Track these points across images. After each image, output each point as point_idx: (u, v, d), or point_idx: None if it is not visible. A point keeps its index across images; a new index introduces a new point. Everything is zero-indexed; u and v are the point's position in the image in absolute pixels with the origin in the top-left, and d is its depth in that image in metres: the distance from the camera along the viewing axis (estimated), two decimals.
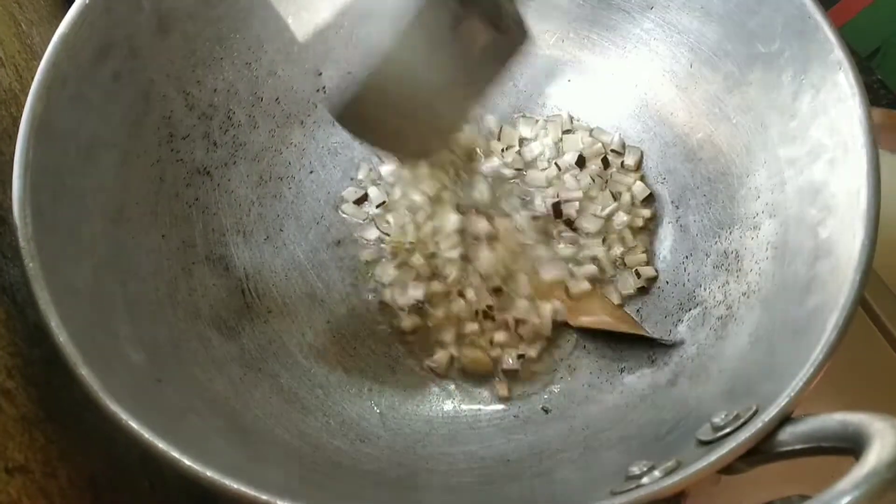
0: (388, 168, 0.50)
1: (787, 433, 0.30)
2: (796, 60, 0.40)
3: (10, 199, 0.36)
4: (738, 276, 0.43)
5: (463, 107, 0.42)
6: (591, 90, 0.52)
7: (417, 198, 0.48)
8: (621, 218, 0.48)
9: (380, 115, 0.40)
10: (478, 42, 0.40)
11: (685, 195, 0.48)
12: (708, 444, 0.32)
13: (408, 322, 0.46)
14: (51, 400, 0.34)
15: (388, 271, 0.48)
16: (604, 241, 0.48)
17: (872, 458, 0.25)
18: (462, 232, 0.47)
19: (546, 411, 0.44)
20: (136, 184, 0.43)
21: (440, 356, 0.45)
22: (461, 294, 0.46)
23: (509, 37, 0.40)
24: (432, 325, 0.46)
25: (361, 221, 0.50)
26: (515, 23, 0.40)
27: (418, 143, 0.42)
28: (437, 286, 0.47)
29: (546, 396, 0.45)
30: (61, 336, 0.33)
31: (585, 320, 0.45)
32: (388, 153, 0.46)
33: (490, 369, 0.45)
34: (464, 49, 0.40)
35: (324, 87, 0.52)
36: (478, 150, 0.47)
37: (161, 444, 0.30)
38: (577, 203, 0.48)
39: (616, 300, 0.46)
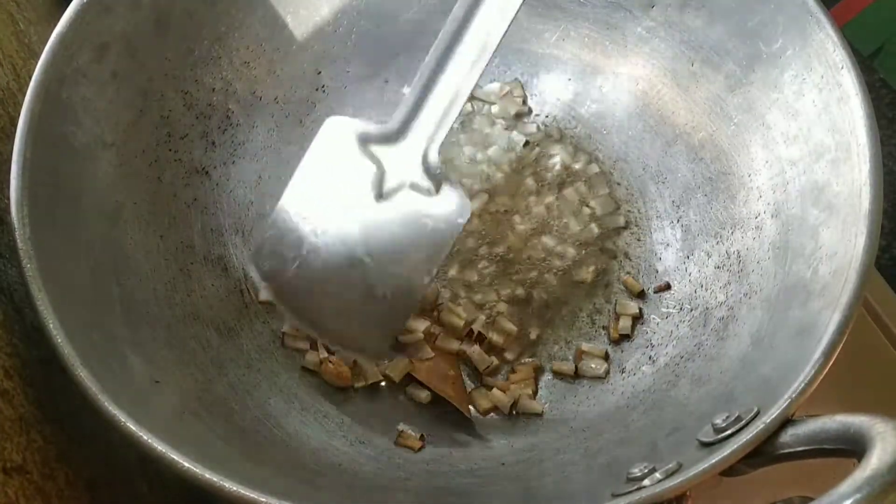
0: None
1: (788, 435, 0.30)
2: (798, 60, 0.40)
3: (8, 199, 0.35)
4: (739, 277, 0.42)
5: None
6: (592, 89, 0.51)
7: None
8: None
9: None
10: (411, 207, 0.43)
11: (686, 195, 0.48)
12: (709, 445, 0.32)
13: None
14: (49, 401, 0.34)
15: None
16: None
17: (874, 461, 0.25)
18: None
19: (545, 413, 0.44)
20: (134, 184, 0.43)
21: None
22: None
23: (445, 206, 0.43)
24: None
25: None
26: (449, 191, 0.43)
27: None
28: None
29: (546, 397, 0.45)
30: (59, 337, 0.33)
31: (421, 375, 0.44)
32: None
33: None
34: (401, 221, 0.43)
35: (323, 86, 0.52)
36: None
37: (159, 446, 0.30)
38: None
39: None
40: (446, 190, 0.43)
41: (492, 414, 0.44)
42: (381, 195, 0.44)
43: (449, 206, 0.43)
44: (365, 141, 0.44)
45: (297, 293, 0.45)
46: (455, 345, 0.45)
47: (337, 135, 0.45)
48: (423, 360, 0.45)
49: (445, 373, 0.44)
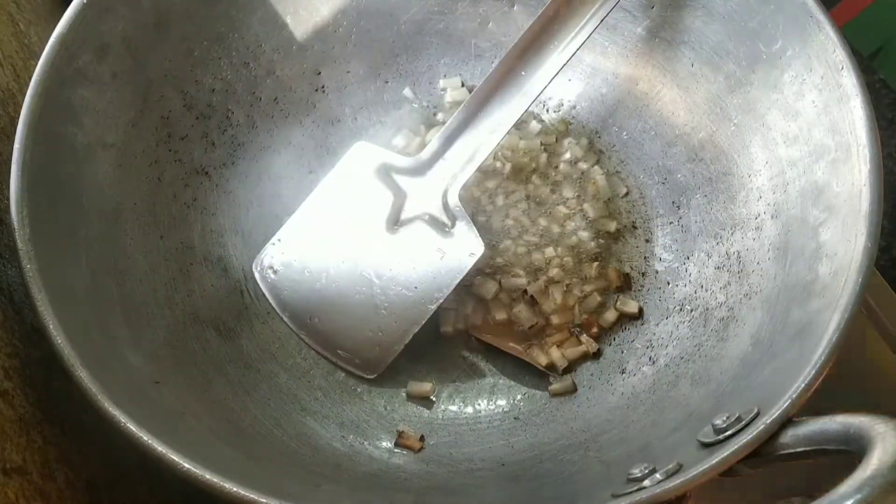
0: None
1: (788, 435, 0.30)
2: (798, 60, 0.40)
3: (8, 199, 0.35)
4: (739, 278, 0.42)
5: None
6: (592, 90, 0.51)
7: None
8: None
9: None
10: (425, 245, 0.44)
11: (686, 195, 0.48)
12: (709, 446, 0.32)
13: None
14: (49, 401, 0.34)
15: None
16: None
17: (875, 461, 0.25)
18: None
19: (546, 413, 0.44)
20: (134, 184, 0.43)
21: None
22: None
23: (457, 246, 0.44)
24: None
25: None
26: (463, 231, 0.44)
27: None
28: None
29: (547, 398, 0.45)
30: (59, 338, 0.33)
31: (486, 337, 0.46)
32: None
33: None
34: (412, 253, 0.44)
35: (323, 87, 0.52)
36: None
37: (159, 447, 0.30)
38: None
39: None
40: (461, 227, 0.45)
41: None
42: (396, 223, 0.46)
43: (462, 241, 0.45)
44: (389, 170, 0.47)
45: (300, 305, 0.46)
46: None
47: (362, 160, 0.47)
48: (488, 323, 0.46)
49: (511, 330, 0.46)
